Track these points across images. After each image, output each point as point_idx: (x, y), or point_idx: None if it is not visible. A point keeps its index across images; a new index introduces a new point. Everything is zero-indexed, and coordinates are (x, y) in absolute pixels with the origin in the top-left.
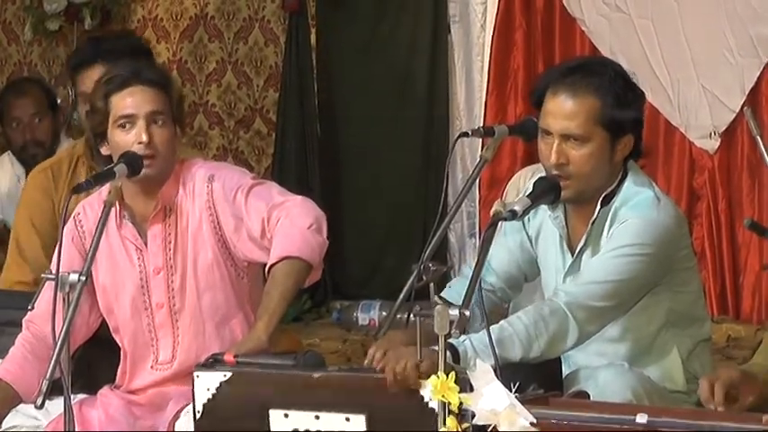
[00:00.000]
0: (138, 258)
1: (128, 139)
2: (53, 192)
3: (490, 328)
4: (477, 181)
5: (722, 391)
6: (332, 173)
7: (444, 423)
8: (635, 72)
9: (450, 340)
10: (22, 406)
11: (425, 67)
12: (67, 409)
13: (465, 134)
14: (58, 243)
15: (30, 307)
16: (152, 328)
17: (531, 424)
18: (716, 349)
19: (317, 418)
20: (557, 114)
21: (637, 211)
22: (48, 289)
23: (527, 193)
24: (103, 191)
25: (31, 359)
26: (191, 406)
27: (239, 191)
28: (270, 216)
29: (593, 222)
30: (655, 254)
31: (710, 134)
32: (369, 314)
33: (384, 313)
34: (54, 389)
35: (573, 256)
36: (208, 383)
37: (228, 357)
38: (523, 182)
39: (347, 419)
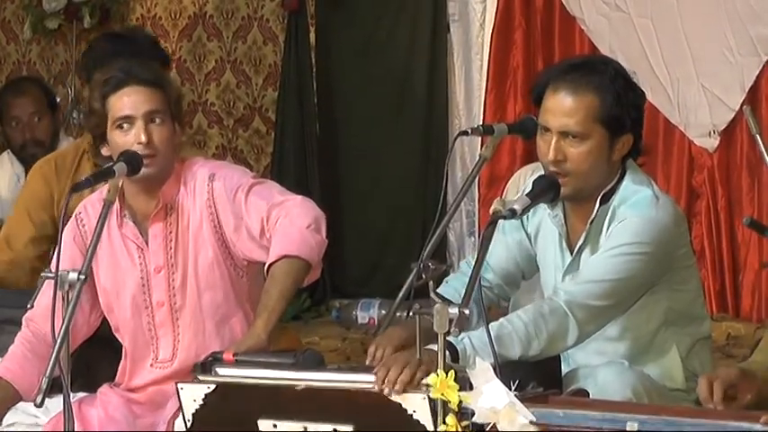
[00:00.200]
0: (140, 257)
1: (127, 140)
2: (54, 183)
3: (489, 326)
4: (477, 179)
5: (721, 389)
6: (331, 171)
7: (444, 421)
8: (635, 71)
9: (448, 338)
10: (21, 404)
11: (425, 65)
12: (67, 407)
13: (464, 133)
14: (59, 241)
15: (29, 305)
16: (152, 327)
17: (531, 422)
18: (715, 347)
19: (305, 429)
20: (556, 111)
21: (635, 209)
22: (47, 287)
23: (526, 192)
24: (105, 190)
25: (30, 357)
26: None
27: (239, 190)
28: (269, 215)
29: (592, 221)
30: (653, 252)
31: (710, 133)
32: (368, 312)
33: (383, 312)
34: (54, 387)
35: (572, 254)
36: (194, 395)
37: (228, 356)
38: (523, 180)
39: (335, 430)
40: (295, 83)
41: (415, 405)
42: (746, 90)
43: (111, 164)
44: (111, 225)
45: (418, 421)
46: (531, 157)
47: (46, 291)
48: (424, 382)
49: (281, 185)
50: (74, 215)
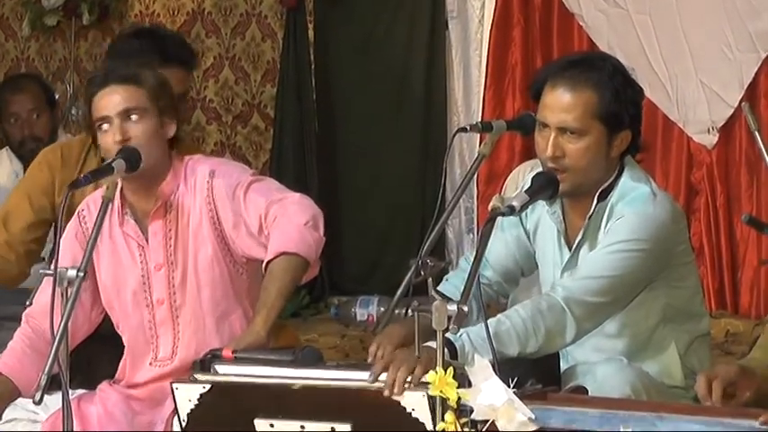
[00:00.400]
0: (140, 255)
1: (107, 139)
2: (58, 171)
3: (487, 322)
4: (475, 176)
5: (721, 388)
6: (329, 168)
7: (443, 419)
8: (633, 68)
9: (447, 335)
10: (20, 400)
11: (423, 62)
12: (66, 404)
13: (463, 129)
14: (57, 234)
15: (28, 302)
16: (153, 325)
17: (530, 419)
18: (714, 344)
19: (303, 427)
20: (554, 107)
21: (633, 206)
22: (47, 284)
23: (525, 189)
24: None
25: (29, 353)
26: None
27: (238, 187)
28: (267, 213)
29: (590, 217)
30: (651, 249)
31: (709, 129)
32: (367, 309)
33: (382, 309)
34: (53, 383)
35: (570, 251)
36: (188, 395)
37: (227, 353)
38: (522, 177)
39: (332, 429)
40: (294, 80)
41: (414, 403)
42: (745, 87)
43: (111, 161)
44: (113, 222)
45: (417, 419)
46: (529, 153)
47: (45, 288)
48: (423, 380)
49: (279, 182)
50: (76, 212)
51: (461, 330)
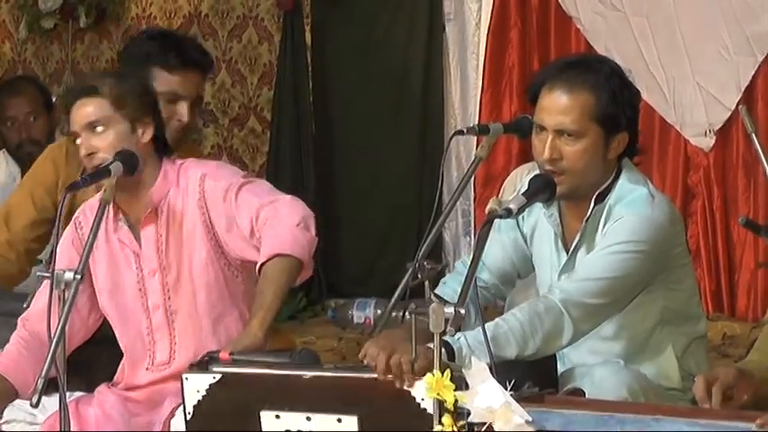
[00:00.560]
0: (135, 261)
1: (80, 154)
2: (62, 169)
3: (485, 325)
4: (472, 179)
5: (720, 393)
6: (327, 171)
7: (440, 421)
8: (630, 70)
9: (444, 338)
10: (18, 401)
11: (420, 65)
12: (63, 407)
13: (460, 132)
14: (55, 243)
15: (26, 304)
16: (150, 331)
17: (527, 422)
18: (711, 347)
19: (309, 419)
20: (551, 109)
21: (631, 208)
22: (44, 288)
23: (522, 191)
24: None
25: (26, 355)
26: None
27: (230, 190)
28: (258, 216)
29: (588, 219)
30: (649, 251)
31: (706, 132)
32: (364, 312)
33: (379, 311)
34: (51, 385)
35: (568, 253)
36: (197, 385)
37: (224, 355)
38: (520, 179)
39: (339, 420)
40: (290, 82)
41: (424, 393)
42: (742, 89)
43: (108, 163)
44: (108, 229)
45: (425, 410)
46: (526, 156)
47: (42, 291)
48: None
49: (272, 185)
50: (72, 219)
51: (459, 333)
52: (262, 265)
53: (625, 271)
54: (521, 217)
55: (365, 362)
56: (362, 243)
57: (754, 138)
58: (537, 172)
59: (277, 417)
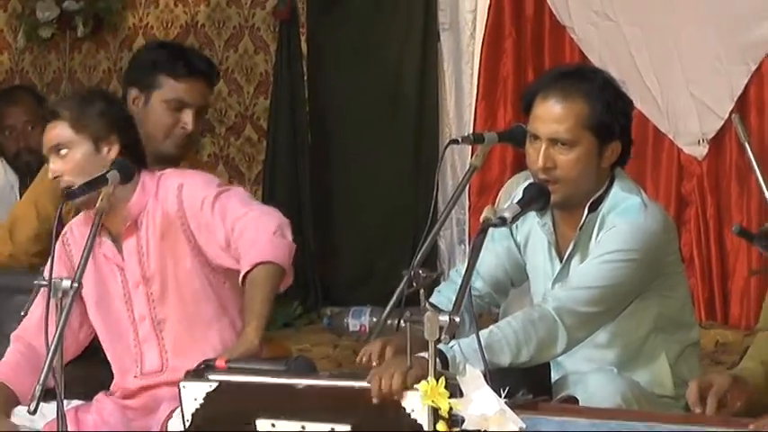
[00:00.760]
0: (120, 274)
1: (50, 177)
2: None
3: (479, 332)
4: (467, 188)
5: (715, 400)
6: (323, 180)
7: (435, 429)
8: (624, 80)
9: (438, 346)
10: (19, 407)
11: (416, 74)
12: (60, 416)
13: (455, 141)
14: (53, 248)
15: (23, 312)
16: (137, 342)
17: (521, 429)
18: (704, 354)
19: (303, 427)
20: (545, 118)
21: (624, 216)
22: (40, 299)
23: (516, 200)
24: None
25: (23, 364)
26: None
27: (205, 200)
28: (234, 227)
29: (581, 228)
30: (642, 259)
31: (699, 141)
32: (359, 320)
33: (374, 319)
34: (49, 392)
35: (561, 262)
36: (195, 394)
37: (220, 363)
38: (516, 188)
39: (333, 430)
40: (286, 91)
41: (414, 404)
42: (735, 98)
43: (105, 172)
44: (94, 243)
45: (416, 420)
46: (521, 165)
47: (38, 304)
48: (416, 387)
49: (268, 193)
50: (60, 236)
51: (453, 341)
52: (246, 274)
53: (618, 279)
54: (514, 226)
55: (358, 360)
56: (358, 251)
57: (747, 146)
58: (531, 181)
59: (272, 425)
